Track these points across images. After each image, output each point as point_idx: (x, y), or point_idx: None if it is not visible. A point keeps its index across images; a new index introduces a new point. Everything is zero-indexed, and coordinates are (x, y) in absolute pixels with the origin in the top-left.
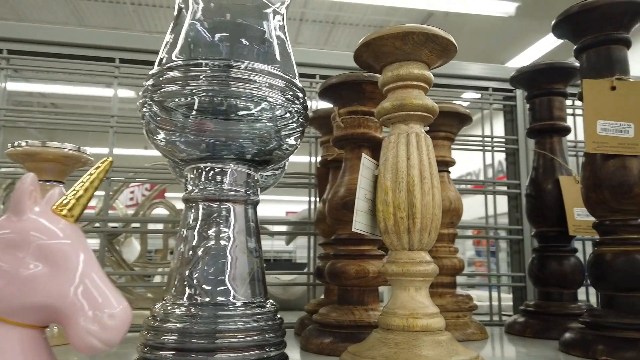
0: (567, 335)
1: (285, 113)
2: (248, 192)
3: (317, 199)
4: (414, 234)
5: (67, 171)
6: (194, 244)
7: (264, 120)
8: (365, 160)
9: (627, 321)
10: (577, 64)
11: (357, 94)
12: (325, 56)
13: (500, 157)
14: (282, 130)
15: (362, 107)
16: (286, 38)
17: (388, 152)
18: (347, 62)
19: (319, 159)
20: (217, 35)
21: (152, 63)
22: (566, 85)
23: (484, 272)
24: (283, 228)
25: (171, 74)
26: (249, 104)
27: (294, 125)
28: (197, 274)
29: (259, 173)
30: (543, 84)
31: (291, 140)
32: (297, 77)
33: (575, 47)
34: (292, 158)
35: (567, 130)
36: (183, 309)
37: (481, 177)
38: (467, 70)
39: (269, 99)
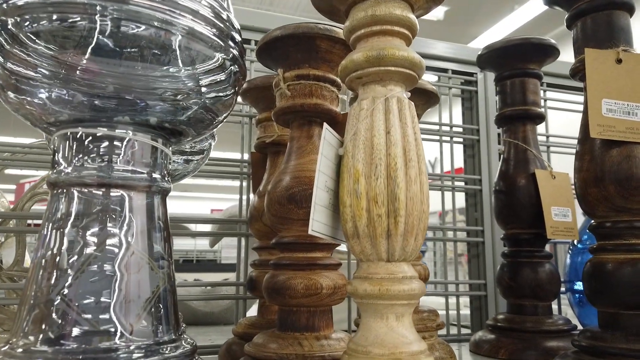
0: None
1: (214, 57)
2: (153, 175)
3: (250, 192)
4: (396, 238)
5: None
6: (61, 253)
7: (179, 65)
8: (328, 133)
9: (638, 347)
10: (553, 42)
11: (309, 53)
12: (265, 18)
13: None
14: (206, 83)
15: (315, 71)
16: None
17: (359, 122)
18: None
19: (253, 142)
20: None
21: None
22: (541, 66)
23: (440, 280)
24: (207, 227)
25: None
26: (157, 37)
27: (225, 77)
28: (64, 301)
29: (171, 147)
30: (516, 64)
31: (221, 101)
32: (232, 13)
33: (568, 14)
34: (220, 141)
35: (542, 118)
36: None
37: (437, 171)
38: (428, 48)
39: (190, 29)
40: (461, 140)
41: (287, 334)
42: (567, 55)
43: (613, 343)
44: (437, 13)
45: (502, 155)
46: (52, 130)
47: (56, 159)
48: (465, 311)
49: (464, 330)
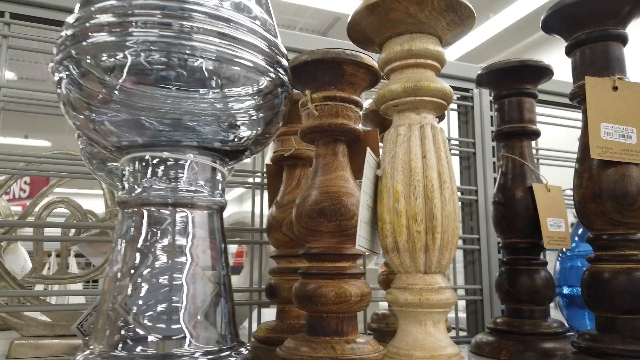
0: None
1: (267, 85)
2: (213, 193)
3: (264, 203)
4: (433, 252)
5: None
6: (133, 267)
7: (238, 94)
8: (370, 157)
9: (634, 348)
10: (548, 64)
11: (336, 76)
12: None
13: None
14: (261, 109)
15: (341, 93)
16: None
17: (397, 147)
18: None
19: (268, 154)
20: None
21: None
22: (536, 86)
23: None
24: None
25: (102, 17)
26: (220, 69)
27: (277, 102)
28: (137, 311)
29: (226, 167)
30: (513, 84)
31: (272, 123)
32: (279, 38)
33: (567, 43)
34: None
35: (537, 134)
36: None
37: None
38: None
39: (248, 61)
40: (457, 152)
41: (318, 338)
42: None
43: (611, 344)
44: None
45: (499, 169)
46: (120, 154)
47: (124, 180)
48: (461, 314)
49: (461, 333)
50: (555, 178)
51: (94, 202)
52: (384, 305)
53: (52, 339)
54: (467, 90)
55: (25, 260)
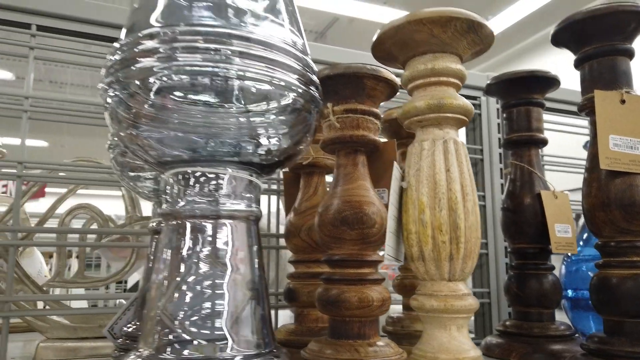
0: None
1: (301, 104)
2: (251, 205)
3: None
4: (457, 261)
5: None
6: (178, 275)
7: (274, 112)
8: (396, 170)
9: None
10: (555, 75)
11: (357, 89)
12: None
13: None
14: (295, 126)
15: (362, 106)
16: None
17: (421, 160)
18: None
19: None
20: None
21: (78, 34)
22: (543, 96)
23: None
24: None
25: (149, 43)
26: (259, 90)
27: (310, 118)
28: (182, 317)
29: (260, 179)
30: (521, 94)
31: (305, 137)
32: (309, 55)
33: (576, 56)
34: None
35: (544, 143)
36: None
37: None
38: None
39: (286, 83)
40: None
41: (342, 341)
42: (535, 65)
43: (619, 347)
44: None
45: (508, 176)
46: (162, 168)
47: (168, 193)
48: None
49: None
50: (554, 181)
51: (102, 203)
52: (394, 309)
53: (75, 342)
54: (474, 98)
55: (41, 263)
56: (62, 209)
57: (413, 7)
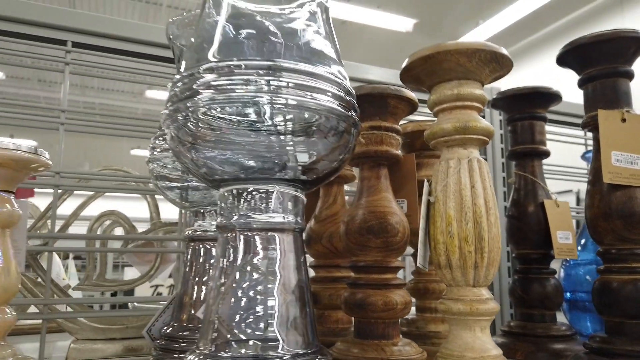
0: None
1: (343, 127)
2: (297, 219)
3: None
4: (481, 269)
5: (18, 178)
6: (234, 282)
7: (318, 135)
8: (426, 186)
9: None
10: (557, 90)
11: (380, 108)
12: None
13: None
14: (337, 148)
15: (385, 123)
16: (332, 31)
17: (448, 177)
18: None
19: None
20: (263, 30)
21: (111, 50)
22: (546, 110)
23: None
24: None
25: (208, 77)
26: (304, 116)
27: (350, 140)
28: (238, 319)
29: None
30: (526, 108)
31: (346, 155)
32: (347, 79)
33: (580, 77)
34: None
35: (547, 154)
36: None
37: None
38: None
39: (329, 109)
40: None
41: (367, 341)
42: (524, 69)
43: (619, 346)
44: (407, 25)
45: (513, 185)
46: (215, 184)
47: (222, 207)
48: None
49: None
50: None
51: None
52: None
53: (104, 342)
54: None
55: (59, 267)
56: (85, 212)
57: (406, 12)
